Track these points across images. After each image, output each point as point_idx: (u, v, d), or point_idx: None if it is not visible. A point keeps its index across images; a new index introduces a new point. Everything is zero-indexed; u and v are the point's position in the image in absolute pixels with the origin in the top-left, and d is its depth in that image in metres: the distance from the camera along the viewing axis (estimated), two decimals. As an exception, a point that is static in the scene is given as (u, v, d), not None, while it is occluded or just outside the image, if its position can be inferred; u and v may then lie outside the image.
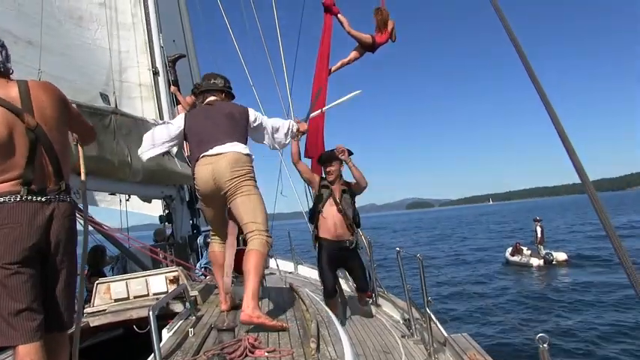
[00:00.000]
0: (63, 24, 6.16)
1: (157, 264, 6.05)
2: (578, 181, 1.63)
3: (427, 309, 4.59)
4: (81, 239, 2.74)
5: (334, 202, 5.51)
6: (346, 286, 6.73)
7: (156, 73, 7.22)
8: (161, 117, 7.08)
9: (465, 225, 68.85)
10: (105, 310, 3.91)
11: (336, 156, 5.55)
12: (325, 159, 5.72)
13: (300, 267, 9.96)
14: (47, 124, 2.30)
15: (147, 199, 7.64)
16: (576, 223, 44.64)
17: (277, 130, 3.93)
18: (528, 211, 60.57)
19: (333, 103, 6.32)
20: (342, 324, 4.24)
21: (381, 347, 4.79)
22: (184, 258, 6.57)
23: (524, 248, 21.96)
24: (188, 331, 3.01)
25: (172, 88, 7.40)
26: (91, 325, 3.73)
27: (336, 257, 5.58)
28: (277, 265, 8.17)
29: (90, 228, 4.45)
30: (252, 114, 3.73)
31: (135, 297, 4.11)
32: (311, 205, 6.03)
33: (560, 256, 20.79)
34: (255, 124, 3.74)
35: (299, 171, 5.84)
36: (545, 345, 2.69)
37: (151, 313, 2.54)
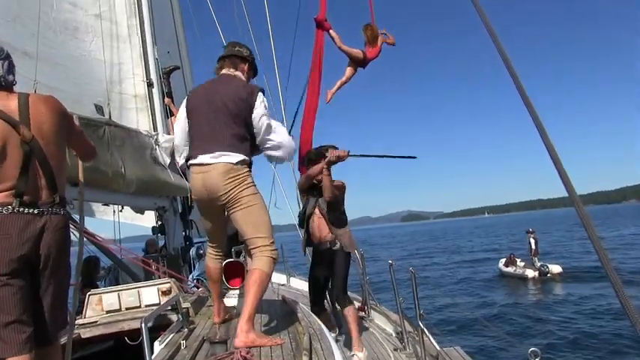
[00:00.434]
0: (58, 35, 6.19)
1: (149, 275, 6.03)
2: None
3: (420, 322, 4.59)
4: (74, 250, 2.73)
5: (315, 204, 5.21)
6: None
7: (150, 85, 7.24)
8: (155, 128, 7.10)
9: (459, 237, 68.86)
10: (96, 321, 3.88)
11: (324, 153, 5.07)
12: (314, 157, 5.32)
13: (292, 279, 9.94)
14: (44, 138, 2.30)
15: (140, 211, 7.63)
16: (571, 236, 44.73)
17: (276, 147, 3.38)
18: (526, 223, 60.75)
19: (377, 155, 5.71)
20: (335, 337, 4.23)
21: None
22: (177, 270, 6.56)
23: (518, 260, 22.00)
24: (180, 343, 3.00)
25: (166, 99, 7.43)
26: (83, 336, 3.70)
27: (323, 262, 5.23)
28: (270, 278, 8.12)
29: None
30: (259, 106, 3.23)
31: (127, 308, 4.10)
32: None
33: (555, 268, 20.79)
34: (254, 118, 3.23)
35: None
36: (537, 359, 2.71)
37: (143, 324, 2.54)
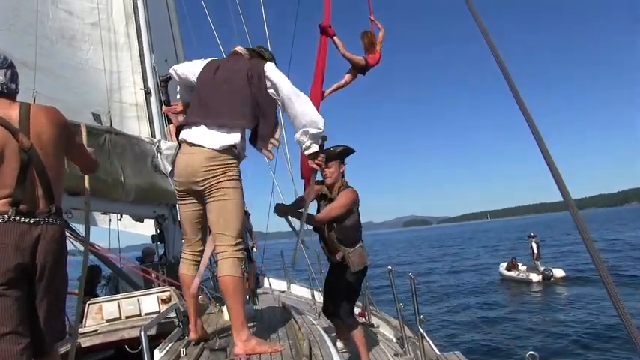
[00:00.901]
0: (55, 44, 6.20)
1: (149, 284, 6.02)
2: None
3: (419, 327, 4.59)
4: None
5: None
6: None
7: (148, 93, 7.24)
8: (153, 136, 7.10)
9: (461, 242, 68.76)
10: (97, 330, 3.88)
11: (334, 155, 4.29)
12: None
13: (293, 286, 9.92)
14: (43, 148, 2.30)
15: (139, 219, 7.63)
16: (575, 240, 44.59)
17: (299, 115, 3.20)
18: (529, 227, 60.71)
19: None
20: (334, 343, 4.22)
21: None
22: (176, 278, 6.54)
23: (520, 264, 21.95)
24: (180, 351, 3.00)
25: (164, 107, 7.43)
26: (83, 345, 3.70)
27: (333, 274, 4.52)
28: (270, 285, 8.13)
29: (81, 248, 4.44)
30: (272, 74, 3.17)
31: (127, 317, 4.09)
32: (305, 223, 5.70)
33: (558, 272, 20.65)
34: (269, 89, 3.18)
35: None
36: (534, 362, 2.71)
37: (142, 333, 2.54)
